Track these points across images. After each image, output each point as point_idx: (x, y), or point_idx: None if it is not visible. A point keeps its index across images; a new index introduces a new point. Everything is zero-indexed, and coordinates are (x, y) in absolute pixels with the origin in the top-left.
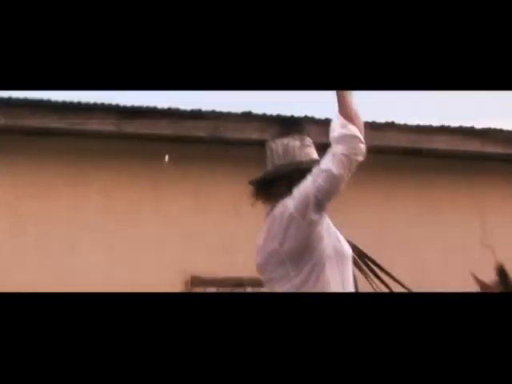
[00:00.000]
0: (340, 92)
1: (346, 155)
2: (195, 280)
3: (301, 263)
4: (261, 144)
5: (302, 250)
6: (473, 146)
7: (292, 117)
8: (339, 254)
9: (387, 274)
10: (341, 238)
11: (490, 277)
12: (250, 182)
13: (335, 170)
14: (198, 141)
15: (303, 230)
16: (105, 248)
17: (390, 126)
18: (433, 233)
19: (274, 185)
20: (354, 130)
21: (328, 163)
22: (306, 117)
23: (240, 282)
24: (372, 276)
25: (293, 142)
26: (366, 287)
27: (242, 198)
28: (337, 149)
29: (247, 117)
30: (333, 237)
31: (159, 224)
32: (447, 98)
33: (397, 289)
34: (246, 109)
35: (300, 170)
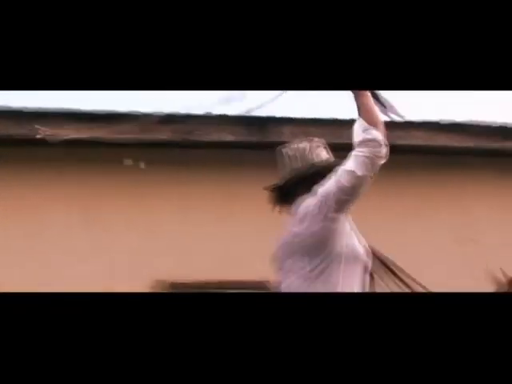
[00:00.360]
0: (360, 97)
1: (369, 157)
2: (161, 284)
3: (315, 258)
4: (235, 146)
5: (318, 244)
6: (448, 140)
7: (268, 118)
8: (353, 257)
9: (406, 274)
10: (357, 241)
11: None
12: (268, 188)
13: (359, 172)
14: (170, 145)
15: (318, 225)
16: (80, 254)
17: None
18: (412, 229)
19: (291, 188)
20: (376, 134)
21: (352, 165)
22: (270, 117)
23: (206, 286)
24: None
25: (304, 145)
26: None
27: (220, 202)
28: (360, 151)
29: (220, 119)
30: (351, 238)
31: (132, 229)
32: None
33: None
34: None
35: (318, 172)
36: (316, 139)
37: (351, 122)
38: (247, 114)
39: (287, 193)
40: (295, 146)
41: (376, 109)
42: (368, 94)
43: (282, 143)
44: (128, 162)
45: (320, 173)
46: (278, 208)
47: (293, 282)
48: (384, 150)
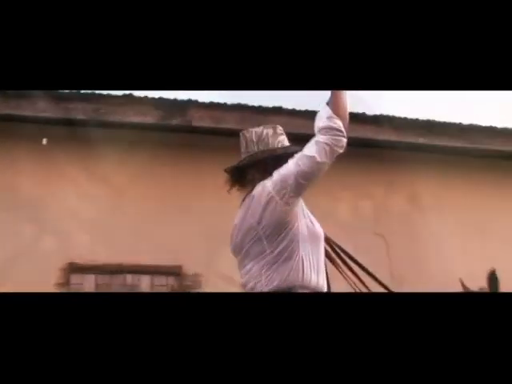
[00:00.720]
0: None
1: (329, 145)
2: (73, 266)
3: (276, 240)
4: (143, 127)
5: (278, 227)
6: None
7: (175, 100)
8: (313, 235)
9: (355, 262)
10: (314, 220)
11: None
12: (226, 170)
13: (318, 158)
14: (78, 123)
15: (280, 209)
16: None
17: (278, 112)
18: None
19: (249, 171)
20: (339, 123)
21: (312, 150)
22: (189, 100)
23: (120, 269)
24: (340, 263)
25: (266, 131)
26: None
27: (125, 184)
28: (321, 138)
29: (128, 99)
30: (307, 218)
31: (37, 209)
32: None
33: (364, 277)
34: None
35: (274, 157)
36: (280, 127)
37: (264, 109)
38: (155, 96)
39: (242, 175)
40: (256, 130)
41: (346, 102)
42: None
43: (190, 126)
44: (45, 141)
45: (275, 158)
46: (234, 189)
47: (253, 266)
48: (344, 141)
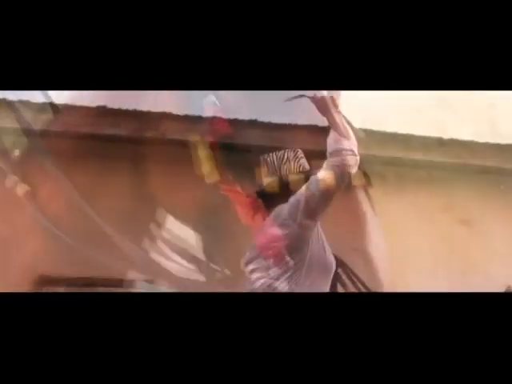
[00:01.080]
0: (328, 113)
1: (339, 166)
2: (43, 279)
3: (282, 262)
4: (115, 139)
5: (287, 250)
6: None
7: (149, 112)
8: (322, 263)
9: (367, 288)
10: (327, 248)
11: None
12: (248, 195)
13: (328, 180)
14: (52, 135)
15: (292, 232)
16: None
17: (253, 124)
18: None
19: (270, 195)
20: (346, 143)
21: (322, 173)
22: (163, 112)
23: (91, 282)
24: (352, 288)
25: (287, 155)
26: None
27: (98, 196)
28: (331, 161)
29: (102, 111)
30: (319, 246)
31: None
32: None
33: None
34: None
35: (296, 182)
36: (300, 150)
37: (231, 121)
38: (129, 108)
39: (266, 199)
40: (277, 154)
41: (344, 122)
42: (333, 109)
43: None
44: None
45: (300, 182)
46: (254, 213)
47: (256, 280)
48: (353, 159)
